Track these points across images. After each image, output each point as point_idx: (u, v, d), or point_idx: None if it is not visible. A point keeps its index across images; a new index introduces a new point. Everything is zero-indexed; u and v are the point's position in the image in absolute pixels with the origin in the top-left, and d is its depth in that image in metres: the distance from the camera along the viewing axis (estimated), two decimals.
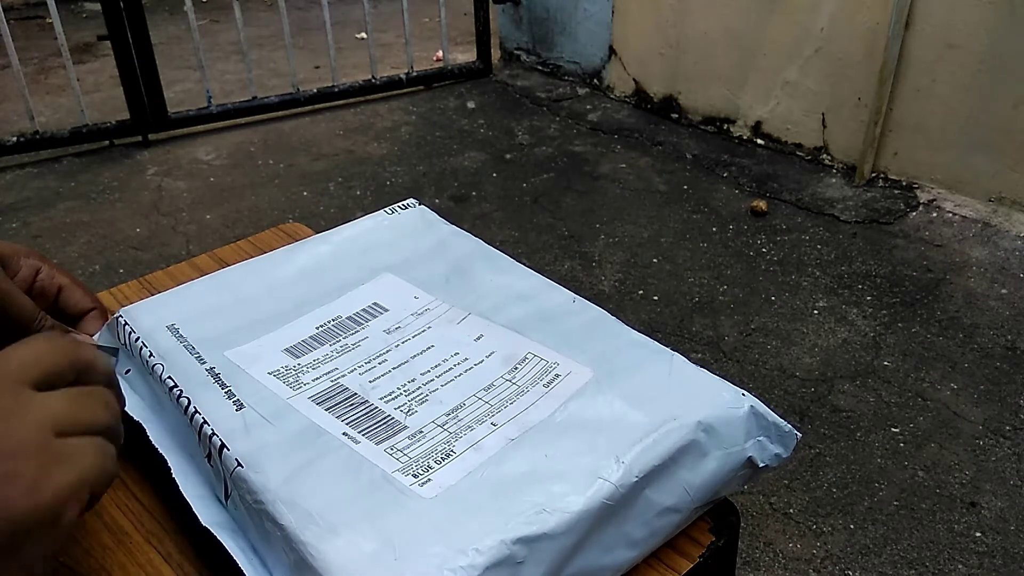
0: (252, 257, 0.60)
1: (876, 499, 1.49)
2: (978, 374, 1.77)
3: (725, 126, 2.89)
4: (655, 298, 2.07)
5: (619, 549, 0.41)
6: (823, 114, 2.61)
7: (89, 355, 0.41)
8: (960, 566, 1.37)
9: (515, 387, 0.46)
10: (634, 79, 3.14)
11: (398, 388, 0.46)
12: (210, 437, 0.43)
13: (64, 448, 0.36)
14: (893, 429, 1.64)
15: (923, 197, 2.42)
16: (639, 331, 0.50)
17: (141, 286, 0.66)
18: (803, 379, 1.78)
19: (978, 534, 1.42)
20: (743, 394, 0.45)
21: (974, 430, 1.63)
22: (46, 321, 0.52)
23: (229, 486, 0.42)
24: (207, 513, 0.42)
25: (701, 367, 0.48)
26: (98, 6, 2.82)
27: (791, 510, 1.48)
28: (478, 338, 0.50)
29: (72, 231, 2.44)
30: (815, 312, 1.99)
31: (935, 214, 2.36)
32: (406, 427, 0.44)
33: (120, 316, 0.53)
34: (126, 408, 0.48)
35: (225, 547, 0.40)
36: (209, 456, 0.43)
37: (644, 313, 2.01)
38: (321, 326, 0.52)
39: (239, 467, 0.41)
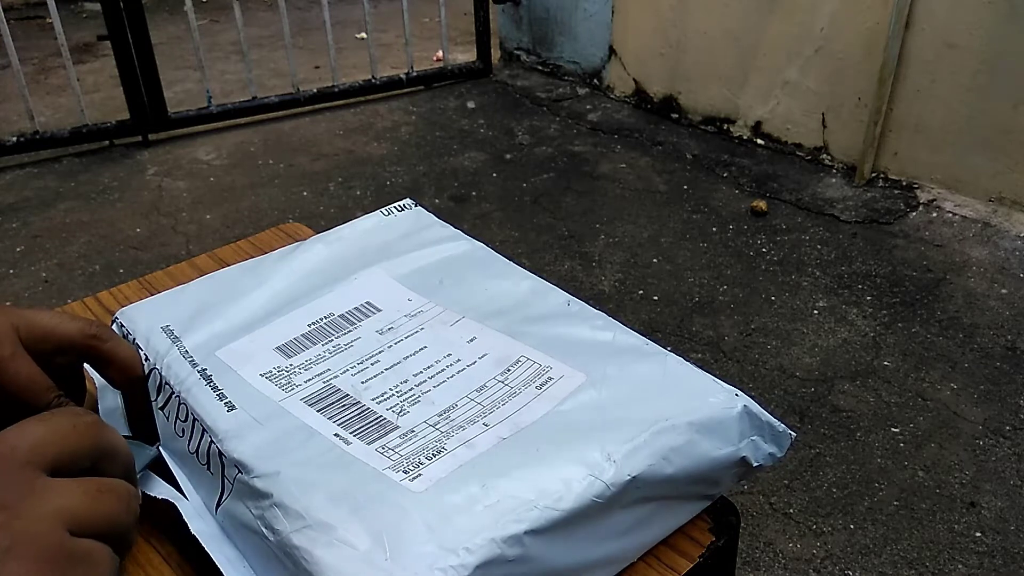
0: (252, 257, 0.60)
1: (876, 499, 1.49)
2: (978, 374, 1.77)
3: (725, 126, 2.89)
4: (655, 298, 2.07)
5: (611, 547, 0.41)
6: (823, 114, 2.61)
7: (112, 440, 0.36)
8: (960, 566, 1.37)
9: (508, 388, 0.46)
10: (634, 79, 3.13)
11: (390, 389, 0.46)
12: (203, 439, 0.43)
13: (78, 551, 0.31)
14: (893, 429, 1.64)
15: (923, 197, 2.42)
16: (639, 331, 0.50)
17: (141, 286, 0.66)
18: (803, 379, 1.78)
19: (978, 534, 1.42)
20: (736, 394, 0.45)
21: (974, 430, 1.63)
22: (61, 400, 0.45)
23: (225, 489, 0.42)
24: (196, 521, 0.42)
25: (701, 367, 0.48)
26: (98, 6, 2.83)
27: (791, 510, 1.48)
28: (471, 340, 0.50)
29: (72, 231, 2.44)
30: (815, 312, 1.99)
31: (935, 214, 2.36)
32: (398, 427, 0.43)
33: (116, 318, 0.53)
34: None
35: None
36: (206, 460, 0.43)
37: (644, 313, 2.01)
38: (313, 323, 0.52)
39: (231, 470, 0.41)
